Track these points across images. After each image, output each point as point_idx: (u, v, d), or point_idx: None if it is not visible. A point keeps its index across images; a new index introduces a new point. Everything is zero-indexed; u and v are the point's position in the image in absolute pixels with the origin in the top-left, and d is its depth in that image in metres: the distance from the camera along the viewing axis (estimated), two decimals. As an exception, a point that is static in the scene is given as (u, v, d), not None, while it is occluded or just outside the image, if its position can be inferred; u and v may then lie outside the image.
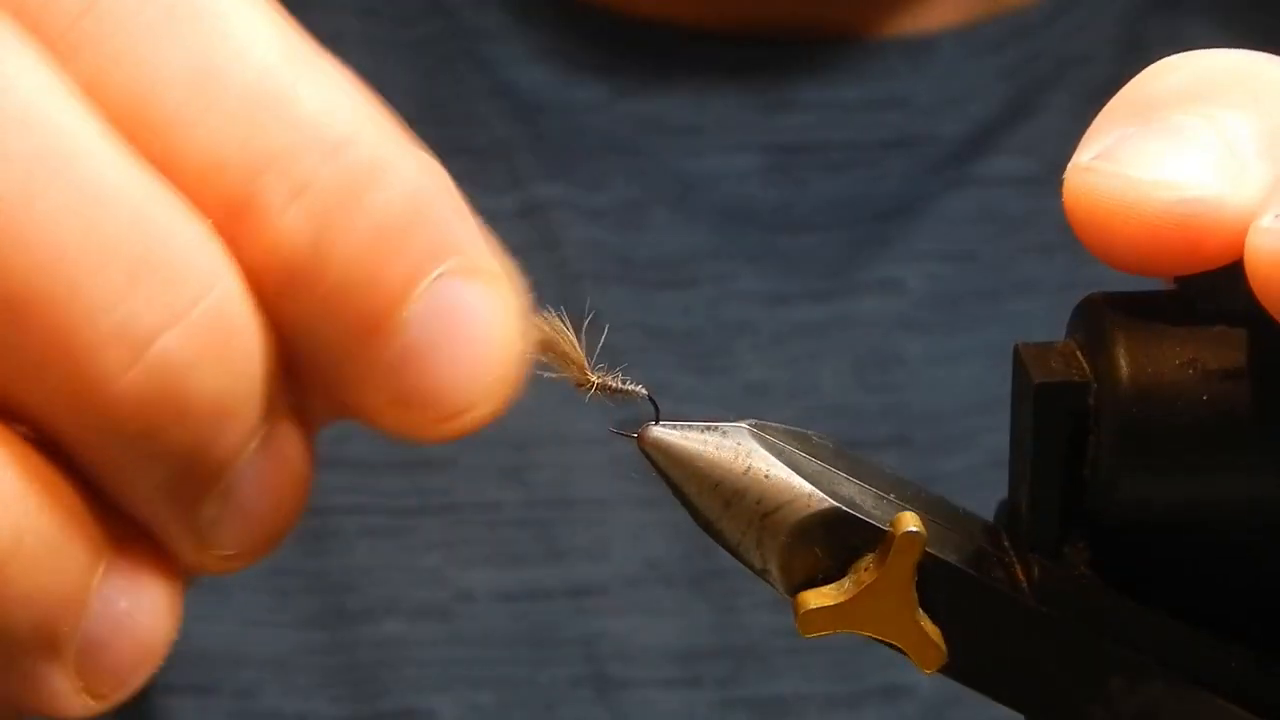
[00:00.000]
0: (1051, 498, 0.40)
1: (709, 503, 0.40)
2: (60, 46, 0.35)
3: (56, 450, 0.37)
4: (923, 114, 0.81)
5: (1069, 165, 0.39)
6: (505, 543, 0.76)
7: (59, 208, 0.34)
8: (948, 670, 0.41)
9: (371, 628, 0.75)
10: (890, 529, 0.40)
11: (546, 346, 0.41)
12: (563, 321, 0.41)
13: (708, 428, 0.41)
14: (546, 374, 0.42)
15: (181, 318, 0.35)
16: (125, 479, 0.37)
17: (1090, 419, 0.39)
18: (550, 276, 0.77)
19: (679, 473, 0.41)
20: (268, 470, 0.38)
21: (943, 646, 0.40)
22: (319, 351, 0.37)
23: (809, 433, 0.42)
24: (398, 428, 0.38)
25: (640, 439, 0.41)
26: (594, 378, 0.42)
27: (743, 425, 0.41)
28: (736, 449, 0.40)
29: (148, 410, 0.35)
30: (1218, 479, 0.39)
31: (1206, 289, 0.39)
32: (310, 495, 0.81)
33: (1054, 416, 0.40)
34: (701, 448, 0.40)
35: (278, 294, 0.36)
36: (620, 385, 0.42)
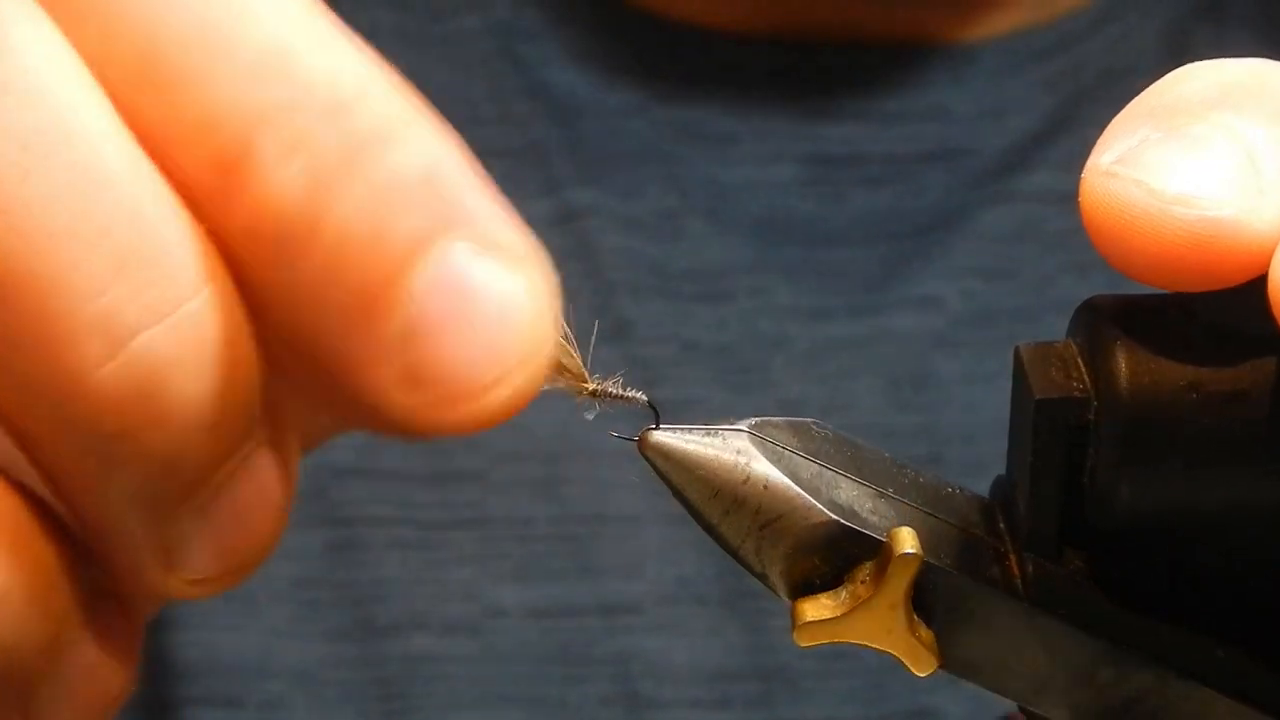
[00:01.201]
0: (1049, 505, 0.40)
1: (710, 509, 0.41)
2: (64, 6, 0.34)
3: (26, 484, 0.35)
4: (963, 126, 0.80)
5: (1088, 165, 0.39)
6: (537, 558, 0.76)
7: (54, 185, 0.33)
8: (940, 665, 0.41)
9: (400, 642, 0.75)
10: (888, 541, 0.40)
11: None
12: (561, 330, 0.41)
13: (708, 432, 0.41)
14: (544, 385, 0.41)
15: (166, 316, 0.34)
16: (95, 486, 0.36)
17: (1090, 432, 0.39)
18: (586, 285, 0.76)
19: (680, 478, 0.41)
20: (245, 493, 0.37)
21: (936, 651, 0.41)
22: (318, 330, 0.35)
23: (809, 422, 0.42)
24: (407, 414, 0.36)
25: (641, 443, 0.41)
26: (591, 385, 0.42)
27: (743, 428, 0.41)
28: (736, 457, 0.40)
29: (124, 408, 0.34)
30: (1216, 496, 0.39)
31: (1215, 305, 0.38)
32: (340, 506, 0.80)
33: (1053, 431, 0.40)
34: (701, 455, 0.40)
35: (270, 260, 0.35)
36: (619, 392, 0.42)
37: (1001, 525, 0.42)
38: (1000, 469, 0.43)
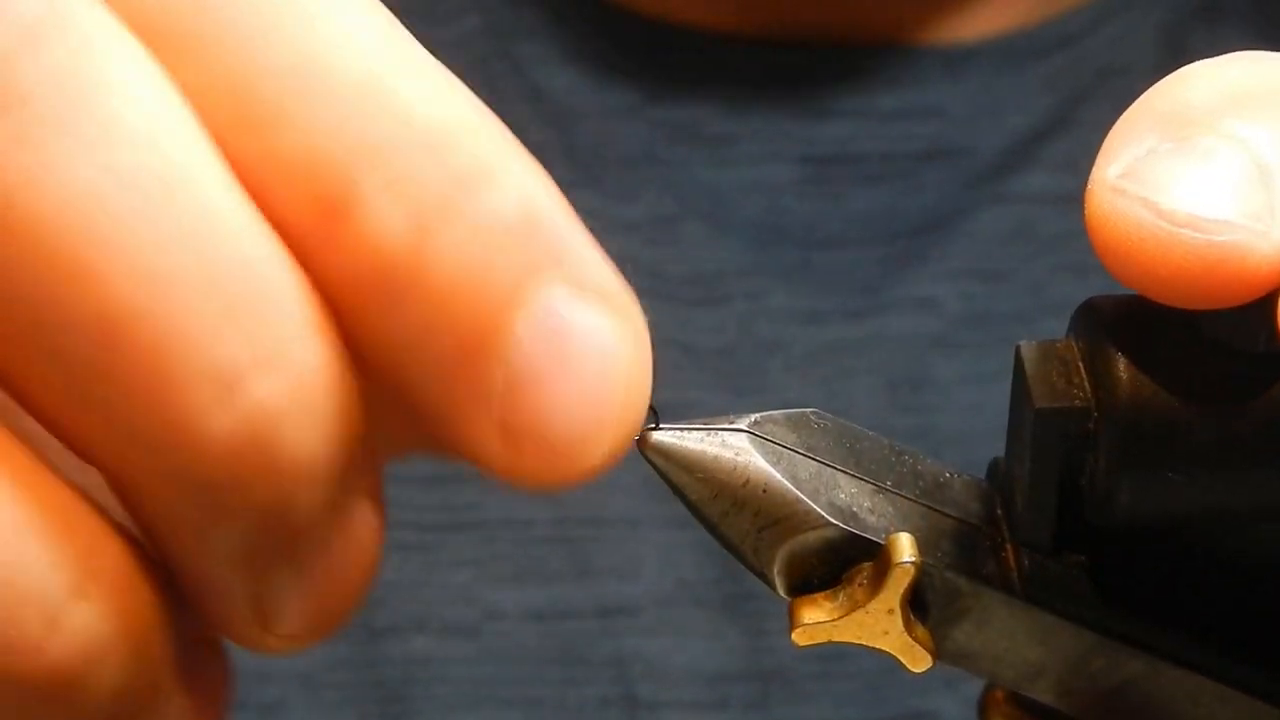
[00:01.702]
0: (1047, 509, 0.41)
1: (709, 509, 0.41)
2: (163, 46, 0.34)
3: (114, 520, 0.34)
4: (959, 125, 0.80)
5: (1093, 176, 0.38)
6: (535, 561, 0.76)
7: (168, 232, 0.32)
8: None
9: (399, 644, 0.75)
10: (886, 548, 0.40)
11: None
12: None
13: (708, 432, 0.41)
14: None
15: (277, 365, 0.33)
16: (197, 538, 0.34)
17: (1089, 440, 0.40)
18: None
19: (681, 478, 0.41)
20: (343, 546, 0.36)
21: (933, 649, 0.41)
22: (417, 377, 0.34)
23: (808, 413, 0.42)
24: (505, 466, 0.34)
25: (641, 443, 0.41)
26: None
27: (742, 428, 0.41)
28: (735, 459, 0.40)
29: (233, 459, 0.33)
30: (1215, 503, 0.39)
31: (1218, 315, 0.38)
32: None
33: (1052, 438, 0.40)
34: (701, 456, 0.41)
35: (373, 307, 0.33)
36: None
37: (999, 512, 0.42)
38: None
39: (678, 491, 0.41)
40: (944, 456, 0.76)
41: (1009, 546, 0.41)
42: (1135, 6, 0.82)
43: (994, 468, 0.44)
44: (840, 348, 0.78)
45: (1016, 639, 0.41)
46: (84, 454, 0.34)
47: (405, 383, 0.34)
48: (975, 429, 0.76)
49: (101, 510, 0.34)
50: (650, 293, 0.77)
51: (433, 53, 0.93)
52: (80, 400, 0.33)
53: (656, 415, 0.41)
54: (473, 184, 0.33)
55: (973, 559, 0.41)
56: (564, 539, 0.76)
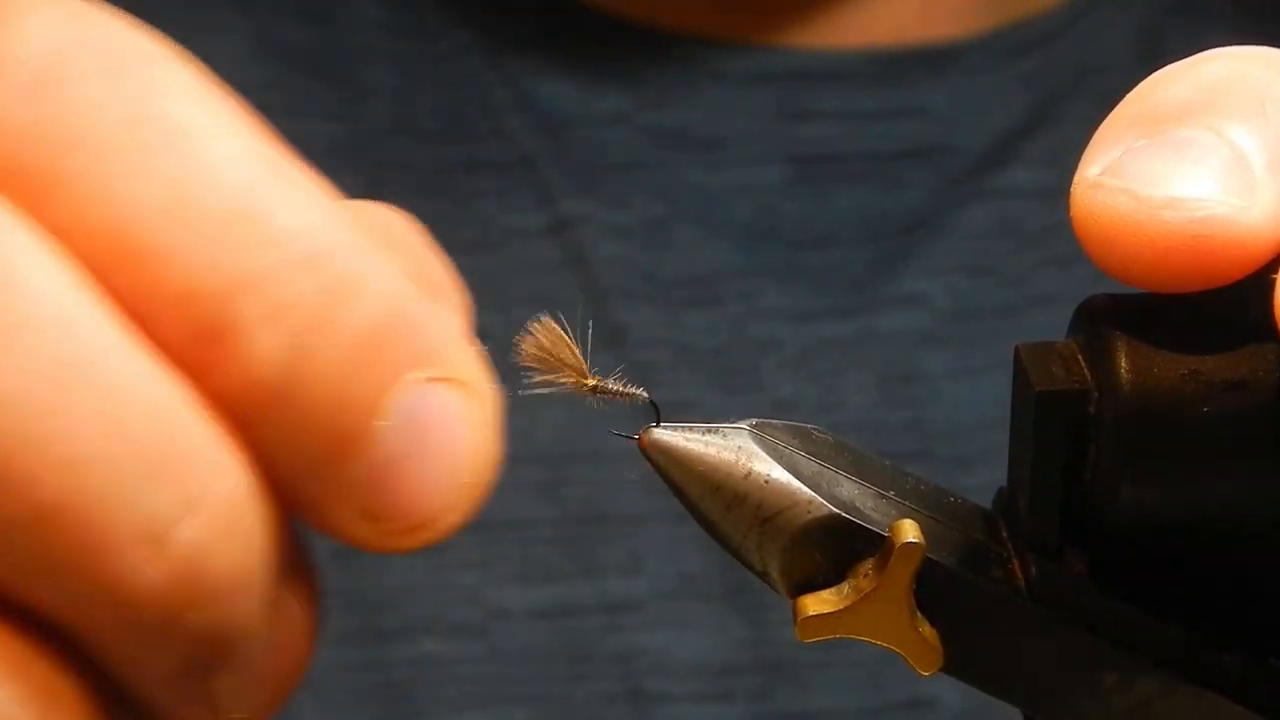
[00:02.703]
0: (1051, 503, 0.40)
1: (710, 505, 0.41)
2: (36, 194, 0.35)
3: (63, 645, 0.36)
4: (942, 123, 0.81)
5: (1075, 179, 0.39)
6: (539, 560, 0.77)
7: (85, 414, 0.34)
8: (945, 668, 0.41)
9: (408, 646, 0.76)
10: (890, 536, 0.40)
11: (544, 353, 0.41)
12: (561, 327, 0.41)
13: (709, 430, 0.41)
14: (545, 381, 0.42)
15: (199, 503, 0.34)
16: (139, 665, 0.36)
17: (1091, 426, 0.40)
18: (581, 294, 0.77)
19: (680, 475, 0.41)
20: (280, 631, 0.37)
21: (940, 649, 0.40)
22: (292, 473, 0.36)
23: (809, 428, 0.42)
24: (362, 540, 0.37)
25: (641, 441, 0.41)
26: (592, 382, 0.42)
27: (743, 427, 0.41)
28: (737, 453, 0.41)
29: (168, 599, 0.35)
30: (1218, 488, 0.39)
31: (1214, 299, 0.39)
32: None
33: (1054, 424, 0.40)
34: (702, 451, 0.41)
35: (252, 420, 0.35)
36: (621, 389, 0.42)
37: (1004, 534, 0.42)
38: (988, 464, 0.43)
39: (677, 489, 0.41)
40: (935, 449, 0.77)
41: (1015, 561, 0.41)
42: (1112, 5, 0.84)
43: (999, 497, 0.43)
44: (831, 345, 0.79)
45: (1023, 646, 0.41)
46: (30, 610, 0.35)
47: (277, 476, 0.36)
48: (965, 421, 0.77)
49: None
50: (646, 295, 0.79)
51: (424, 70, 0.93)
52: (21, 577, 0.35)
53: (658, 412, 0.41)
54: (341, 297, 0.35)
55: (978, 564, 0.41)
56: (567, 538, 0.77)
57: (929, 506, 0.42)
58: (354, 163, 0.79)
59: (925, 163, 0.81)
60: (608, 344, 0.75)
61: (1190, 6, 0.83)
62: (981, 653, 0.41)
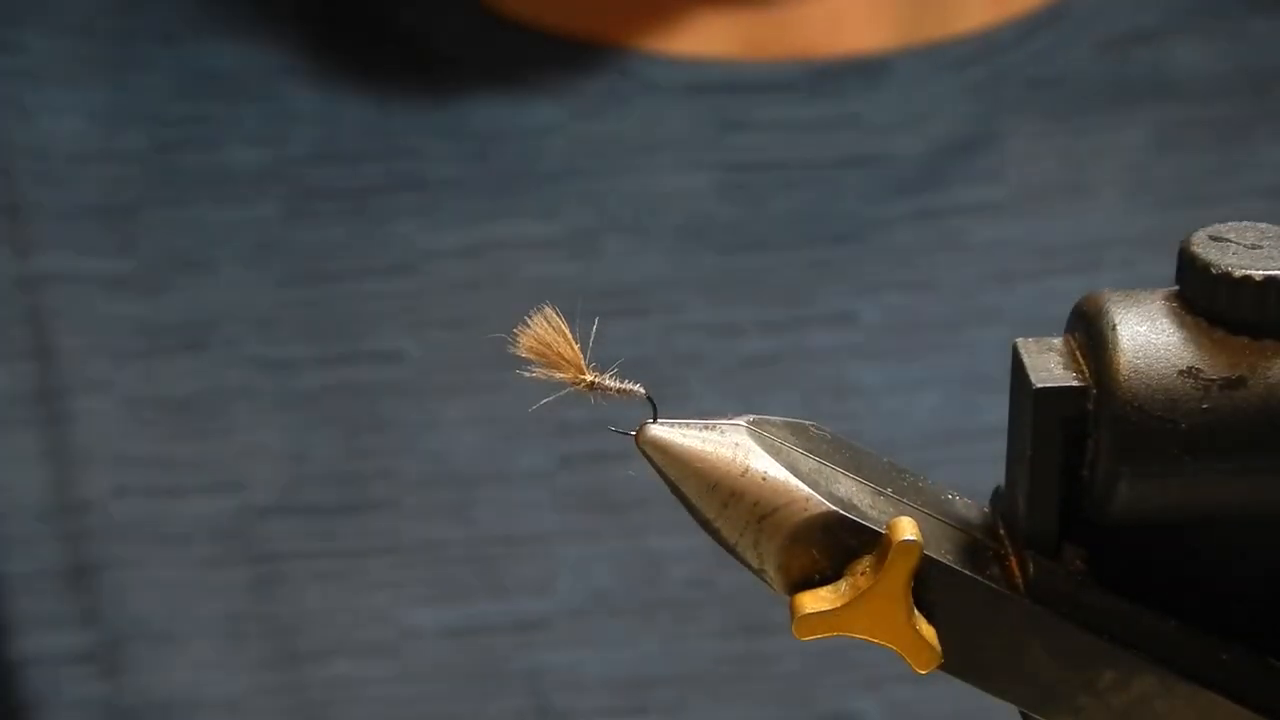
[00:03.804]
0: (1049, 500, 0.40)
1: (707, 502, 0.40)
2: None
3: None
4: (877, 133, 0.82)
5: None
6: (450, 580, 0.77)
7: None
8: (942, 666, 0.41)
9: (322, 668, 0.76)
10: (887, 534, 0.40)
11: (542, 348, 0.41)
12: (560, 323, 0.41)
13: (706, 426, 0.41)
14: (542, 375, 0.42)
15: None
16: None
17: (1089, 423, 0.40)
18: (502, 314, 0.78)
19: (677, 471, 0.40)
20: None
21: (937, 647, 0.40)
22: None
23: (807, 423, 0.42)
24: None
25: (638, 437, 0.41)
26: (590, 378, 0.42)
27: (741, 423, 0.41)
28: (734, 449, 0.40)
29: None
30: (1216, 485, 0.39)
31: (1211, 295, 0.39)
32: (262, 543, 0.81)
33: (1052, 420, 0.40)
34: (699, 447, 0.40)
35: None
36: (618, 385, 0.42)
37: (1002, 531, 0.42)
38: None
39: (673, 486, 0.41)
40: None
41: (1013, 558, 0.41)
42: (1071, 21, 0.83)
43: (996, 495, 0.43)
44: (758, 362, 0.79)
45: (1021, 643, 0.41)
46: None
47: None
48: (900, 438, 0.77)
49: None
50: (569, 310, 0.79)
51: (351, 87, 0.92)
52: None
53: (655, 408, 0.41)
54: None
55: (976, 562, 0.41)
56: (478, 558, 0.77)
57: (927, 504, 0.42)
58: (276, 187, 0.80)
59: (861, 172, 0.81)
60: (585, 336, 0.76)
61: (1155, 36, 0.83)
62: (979, 650, 0.41)
